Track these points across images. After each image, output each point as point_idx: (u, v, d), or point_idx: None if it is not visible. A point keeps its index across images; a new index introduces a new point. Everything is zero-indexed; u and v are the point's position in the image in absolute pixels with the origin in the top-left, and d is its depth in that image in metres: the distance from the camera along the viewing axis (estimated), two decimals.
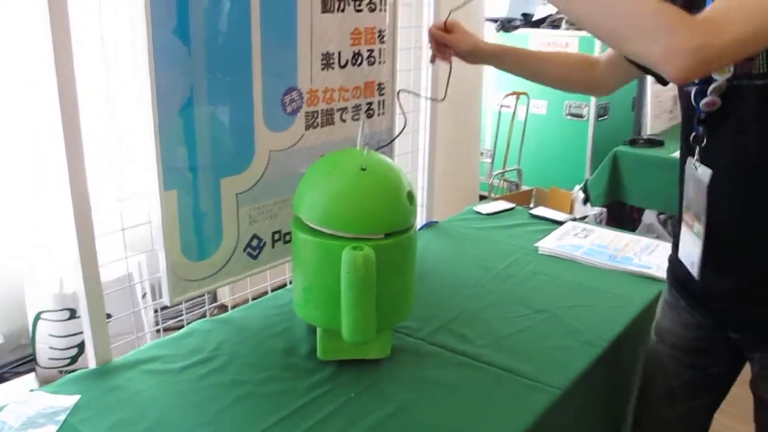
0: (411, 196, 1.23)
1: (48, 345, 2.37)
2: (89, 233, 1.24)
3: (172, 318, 1.79)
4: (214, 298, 2.31)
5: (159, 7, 1.24)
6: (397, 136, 1.67)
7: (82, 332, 1.32)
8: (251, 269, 1.55)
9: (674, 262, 1.34)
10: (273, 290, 1.71)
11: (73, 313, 2.33)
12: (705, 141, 1.14)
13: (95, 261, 1.26)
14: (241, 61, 1.40)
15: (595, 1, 1.01)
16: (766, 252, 1.14)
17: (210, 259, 1.45)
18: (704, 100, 1.11)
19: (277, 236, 1.57)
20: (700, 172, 1.14)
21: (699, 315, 1.30)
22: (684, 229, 1.22)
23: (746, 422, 1.32)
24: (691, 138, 1.16)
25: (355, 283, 1.14)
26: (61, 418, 1.13)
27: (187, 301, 1.53)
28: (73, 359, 2.37)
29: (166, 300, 1.40)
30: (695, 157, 1.16)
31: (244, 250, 1.51)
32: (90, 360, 1.30)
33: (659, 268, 1.74)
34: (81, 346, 2.33)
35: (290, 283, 1.56)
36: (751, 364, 1.26)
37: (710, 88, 1.10)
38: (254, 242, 1.53)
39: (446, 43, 1.54)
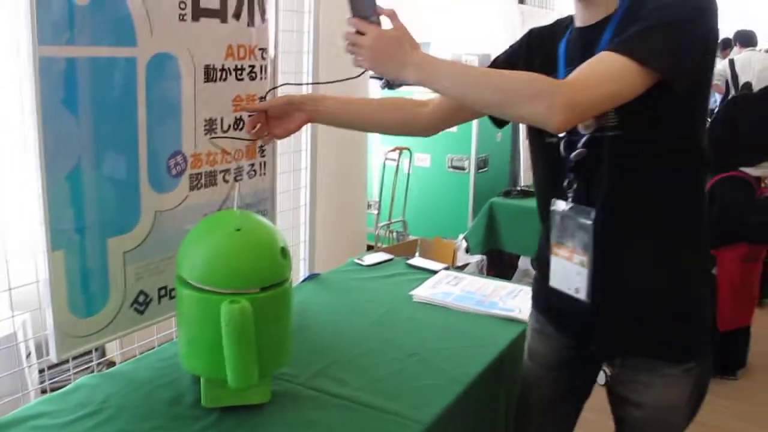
0: (285, 252, 1.34)
1: None
2: None
3: (58, 377, 1.79)
4: (103, 354, 2.32)
5: (48, 78, 1.30)
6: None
7: None
8: (138, 324, 1.60)
9: (540, 291, 1.53)
10: (160, 344, 1.76)
11: None
12: (576, 185, 1.32)
13: None
14: (128, 128, 1.48)
15: (471, 81, 1.21)
16: (632, 277, 1.32)
17: (97, 315, 1.50)
18: (576, 152, 1.29)
19: (163, 292, 1.64)
20: (581, 212, 1.31)
21: (563, 336, 1.49)
22: (556, 260, 1.38)
23: None
24: (565, 183, 1.33)
25: (234, 334, 1.23)
26: None
27: (74, 359, 1.56)
28: None
29: (53, 357, 1.43)
30: (569, 199, 1.33)
31: (131, 306, 1.57)
32: None
33: (521, 310, 1.92)
34: None
35: (176, 336, 1.63)
36: (612, 368, 1.44)
37: (581, 141, 1.29)
38: (141, 298, 1.59)
39: (262, 109, 1.61)
